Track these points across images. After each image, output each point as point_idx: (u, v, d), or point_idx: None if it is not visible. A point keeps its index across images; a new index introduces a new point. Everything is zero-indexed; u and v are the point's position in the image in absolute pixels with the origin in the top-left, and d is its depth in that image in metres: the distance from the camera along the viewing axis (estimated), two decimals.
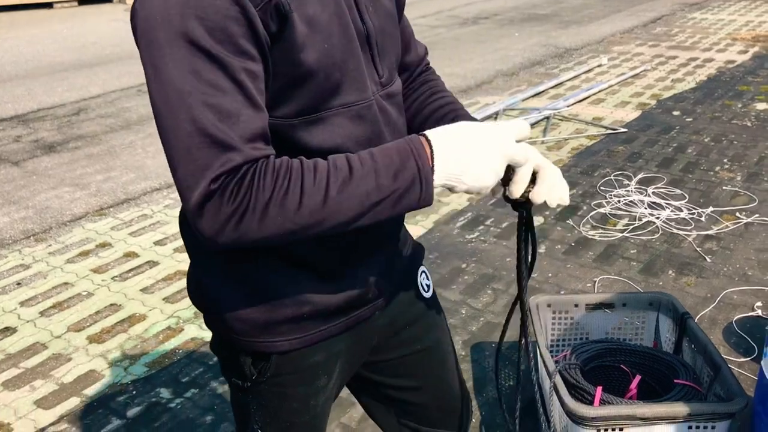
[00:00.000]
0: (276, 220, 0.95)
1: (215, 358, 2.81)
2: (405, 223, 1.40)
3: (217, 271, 1.18)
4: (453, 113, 1.30)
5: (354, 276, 1.21)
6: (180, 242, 3.82)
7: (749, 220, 3.74)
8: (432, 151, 1.01)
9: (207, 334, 2.97)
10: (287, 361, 1.21)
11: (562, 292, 3.15)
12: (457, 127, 1.04)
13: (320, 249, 1.15)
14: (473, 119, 1.22)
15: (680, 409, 1.89)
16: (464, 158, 1.01)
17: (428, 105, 1.33)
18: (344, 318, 1.23)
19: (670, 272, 3.30)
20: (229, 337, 1.21)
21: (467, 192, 1.03)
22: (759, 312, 2.95)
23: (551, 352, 2.42)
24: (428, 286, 1.43)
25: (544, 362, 2.15)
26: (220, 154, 0.93)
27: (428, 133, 1.03)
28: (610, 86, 6.52)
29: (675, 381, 2.09)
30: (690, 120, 5.43)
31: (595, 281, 3.25)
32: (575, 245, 3.60)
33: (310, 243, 1.11)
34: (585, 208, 4.00)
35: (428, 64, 1.42)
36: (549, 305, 2.43)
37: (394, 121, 1.19)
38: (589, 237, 3.67)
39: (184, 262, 3.61)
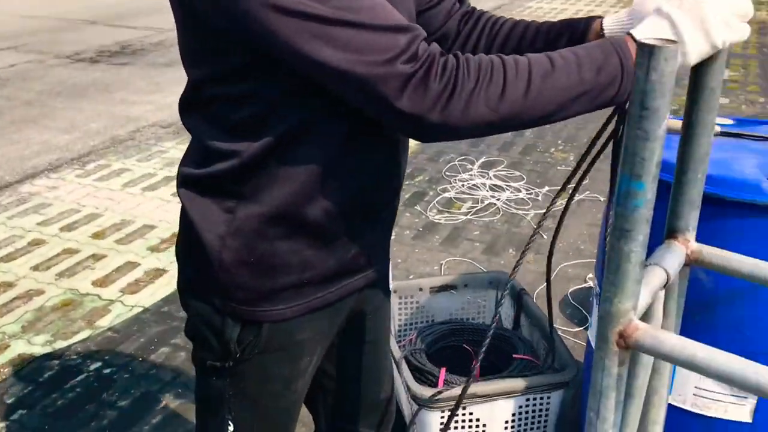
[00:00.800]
0: (479, 109, 0.95)
1: (46, 375, 2.60)
2: None
3: (221, 233, 1.11)
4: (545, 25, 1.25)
5: (355, 239, 1.19)
6: (1, 252, 3.51)
7: (581, 197, 3.97)
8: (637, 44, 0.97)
9: (36, 350, 2.74)
10: (277, 335, 1.17)
11: (411, 277, 3.19)
12: (661, 11, 0.98)
13: (328, 210, 1.12)
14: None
15: (517, 383, 1.96)
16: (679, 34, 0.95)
17: (501, 30, 1.28)
18: (340, 284, 1.20)
19: (511, 250, 3.43)
20: (225, 307, 1.14)
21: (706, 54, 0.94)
22: (591, 284, 3.13)
23: (399, 338, 2.44)
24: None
25: (389, 349, 2.15)
26: (397, 36, 0.94)
27: (632, 30, 1.00)
28: None
29: (514, 356, 2.16)
30: None
31: (441, 264, 3.32)
32: (423, 230, 3.66)
33: (318, 204, 1.10)
34: (431, 193, 4.08)
35: (470, 5, 1.35)
36: (395, 291, 2.44)
37: None
38: (436, 221, 3.75)
39: (9, 272, 3.32)
